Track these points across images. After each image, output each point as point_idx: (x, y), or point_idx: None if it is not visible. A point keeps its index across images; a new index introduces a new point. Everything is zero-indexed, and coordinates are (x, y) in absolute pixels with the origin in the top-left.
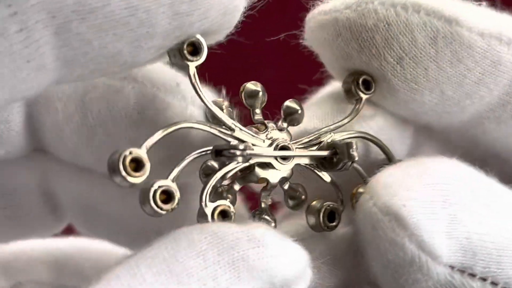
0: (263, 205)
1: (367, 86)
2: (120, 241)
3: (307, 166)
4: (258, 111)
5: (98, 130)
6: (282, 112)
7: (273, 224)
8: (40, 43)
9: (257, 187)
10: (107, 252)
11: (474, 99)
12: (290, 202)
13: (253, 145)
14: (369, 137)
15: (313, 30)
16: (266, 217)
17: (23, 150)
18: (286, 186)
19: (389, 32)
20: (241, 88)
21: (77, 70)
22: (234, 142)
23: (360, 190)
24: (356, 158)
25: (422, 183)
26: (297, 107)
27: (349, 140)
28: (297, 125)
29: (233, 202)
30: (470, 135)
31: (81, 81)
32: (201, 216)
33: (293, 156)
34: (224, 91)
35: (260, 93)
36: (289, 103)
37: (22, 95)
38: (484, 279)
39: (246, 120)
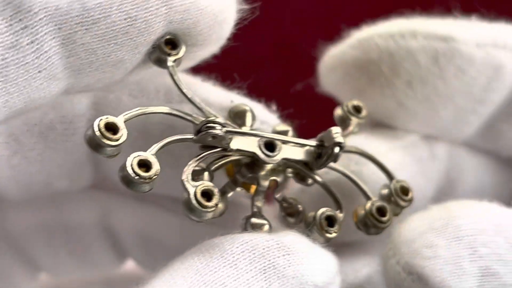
0: (255, 209)
1: (358, 110)
2: None
3: (297, 160)
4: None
5: (162, 156)
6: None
7: (267, 227)
8: (49, 53)
9: None
10: None
11: (487, 105)
12: (290, 220)
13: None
14: (366, 154)
15: (326, 74)
16: (258, 220)
17: (86, 180)
18: (279, 197)
19: (393, 61)
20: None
21: (85, 80)
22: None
23: (361, 210)
24: (342, 141)
25: (447, 238)
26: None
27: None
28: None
29: (224, 207)
30: (491, 143)
31: (88, 91)
32: (184, 199)
33: (280, 148)
34: None
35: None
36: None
37: (36, 103)
38: None
39: None
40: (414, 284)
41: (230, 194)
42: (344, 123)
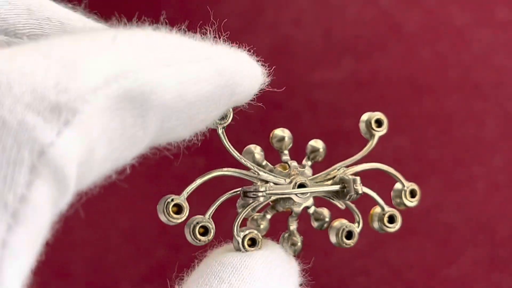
0: (291, 227)
1: (379, 124)
2: None
3: (324, 197)
4: (286, 152)
5: None
6: (306, 151)
7: (299, 244)
8: (147, 138)
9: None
10: None
11: None
12: (315, 223)
13: (275, 184)
14: (381, 168)
15: None
16: (293, 238)
17: None
18: (311, 211)
19: None
20: (270, 135)
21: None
22: (258, 183)
23: (377, 210)
24: (360, 192)
25: None
26: (319, 146)
27: (355, 177)
28: (321, 160)
29: (265, 228)
30: None
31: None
32: (234, 245)
33: (309, 192)
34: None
35: (286, 138)
36: (312, 143)
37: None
38: None
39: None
40: None
41: (270, 216)
42: (367, 136)
